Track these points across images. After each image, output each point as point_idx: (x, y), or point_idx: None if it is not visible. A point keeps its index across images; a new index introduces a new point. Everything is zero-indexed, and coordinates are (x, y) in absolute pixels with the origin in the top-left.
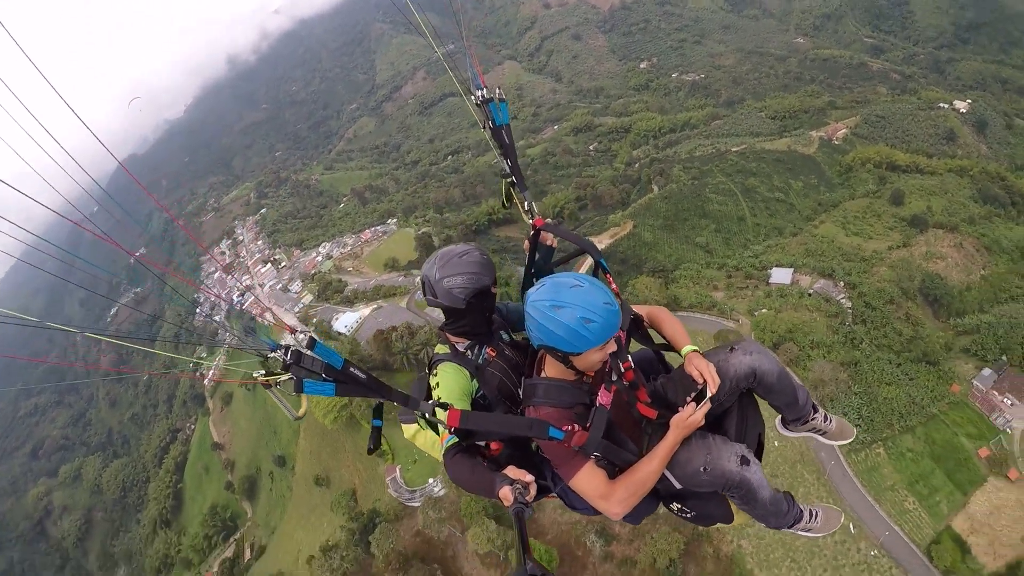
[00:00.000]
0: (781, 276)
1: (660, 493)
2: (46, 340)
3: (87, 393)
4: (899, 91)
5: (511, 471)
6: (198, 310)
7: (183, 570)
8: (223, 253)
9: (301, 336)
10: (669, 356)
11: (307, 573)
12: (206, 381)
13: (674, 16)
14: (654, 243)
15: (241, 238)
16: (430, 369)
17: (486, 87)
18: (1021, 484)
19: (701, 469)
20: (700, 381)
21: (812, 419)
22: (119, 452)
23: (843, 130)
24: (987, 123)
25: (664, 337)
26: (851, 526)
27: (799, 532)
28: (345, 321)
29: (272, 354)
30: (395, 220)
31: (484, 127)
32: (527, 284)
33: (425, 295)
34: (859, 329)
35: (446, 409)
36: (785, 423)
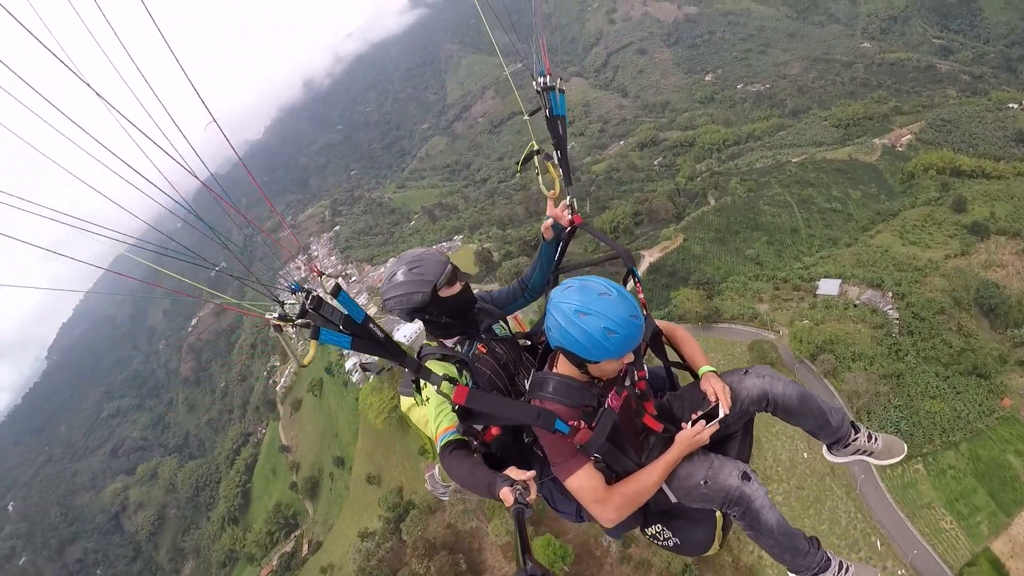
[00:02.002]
0: (829, 287)
1: (649, 509)
2: (131, 347)
3: (167, 398)
4: (969, 93)
5: (512, 471)
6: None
7: (246, 564)
8: (298, 268)
9: (328, 282)
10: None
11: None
12: (279, 388)
13: (738, 26)
14: (703, 256)
15: (316, 253)
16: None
17: (550, 75)
18: None
19: (701, 482)
20: (713, 400)
21: (854, 440)
22: (194, 454)
23: (907, 136)
24: None
25: (682, 356)
26: (878, 543)
27: None
28: (405, 331)
29: (291, 297)
30: (461, 237)
31: (544, 110)
32: (547, 280)
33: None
34: (905, 340)
35: (454, 384)
36: (829, 449)
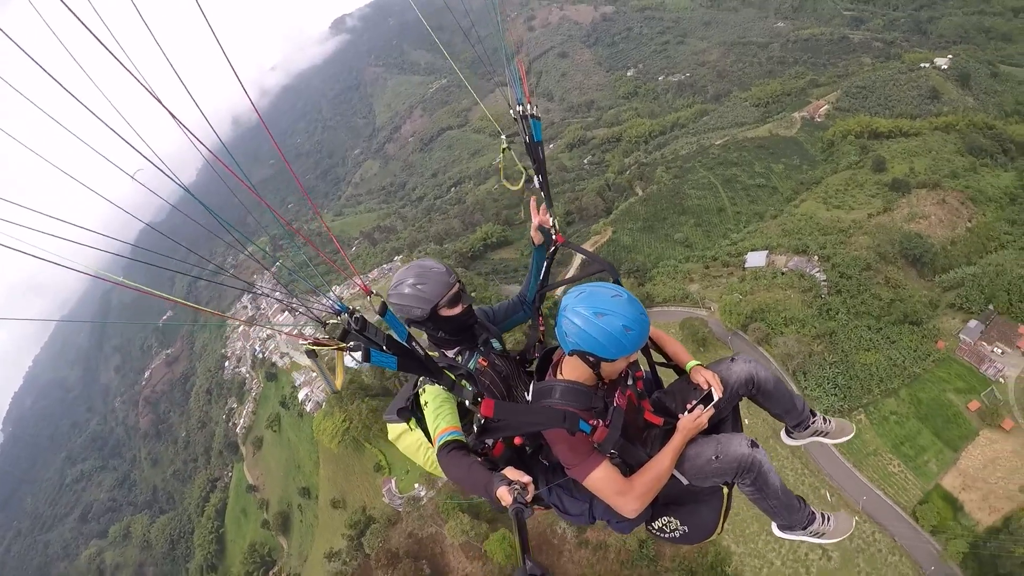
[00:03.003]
0: (756, 259)
1: (656, 501)
2: (86, 408)
3: (129, 455)
4: (883, 58)
5: (509, 472)
6: (226, 363)
7: None
8: (245, 307)
9: (376, 300)
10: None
11: None
12: (239, 429)
13: (655, 20)
14: (633, 246)
15: (261, 291)
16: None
17: (530, 102)
18: (1018, 433)
19: (713, 457)
20: (705, 387)
21: (812, 423)
22: (164, 508)
23: (824, 107)
24: (970, 75)
25: (666, 355)
26: (827, 495)
27: (810, 538)
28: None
29: (335, 319)
30: (400, 257)
31: (524, 137)
32: (536, 296)
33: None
34: (834, 299)
35: (481, 399)
36: (788, 433)
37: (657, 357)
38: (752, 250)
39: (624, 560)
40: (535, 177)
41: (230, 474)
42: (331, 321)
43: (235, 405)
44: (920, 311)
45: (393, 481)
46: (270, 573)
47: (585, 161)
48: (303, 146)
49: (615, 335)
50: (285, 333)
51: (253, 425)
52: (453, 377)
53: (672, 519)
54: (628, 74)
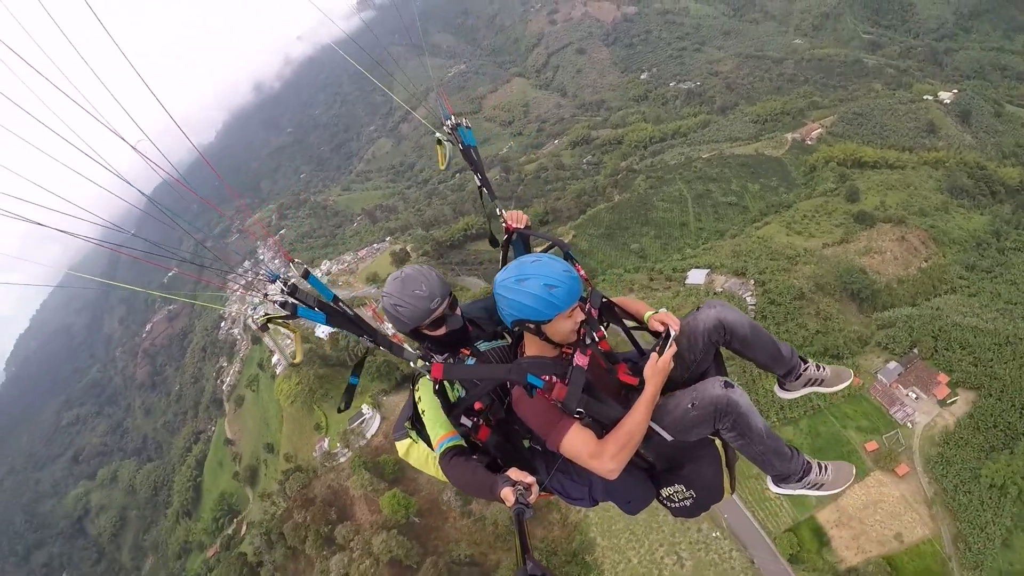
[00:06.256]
0: (696, 277)
1: (655, 471)
2: (88, 355)
3: (124, 403)
4: (894, 86)
5: (513, 472)
6: (222, 324)
7: (198, 553)
8: (245, 271)
9: (299, 266)
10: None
11: None
12: (225, 387)
13: (675, 25)
14: (588, 251)
15: (262, 257)
16: (413, 383)
17: (453, 115)
18: (910, 480)
19: (689, 406)
20: (662, 329)
21: (805, 370)
22: (152, 456)
23: (818, 130)
24: (971, 112)
25: (630, 316)
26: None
27: (809, 491)
28: (324, 328)
29: (271, 285)
30: (391, 238)
31: (459, 146)
32: None
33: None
34: None
35: (430, 362)
36: (782, 385)
37: (632, 324)
38: (695, 267)
39: (499, 534)
40: (475, 176)
41: (213, 428)
42: (270, 289)
43: (225, 364)
44: (843, 346)
45: (326, 440)
46: (235, 520)
47: (584, 160)
48: (321, 118)
49: (540, 295)
50: (256, 295)
51: (238, 384)
52: (391, 339)
53: (679, 486)
54: (642, 77)
